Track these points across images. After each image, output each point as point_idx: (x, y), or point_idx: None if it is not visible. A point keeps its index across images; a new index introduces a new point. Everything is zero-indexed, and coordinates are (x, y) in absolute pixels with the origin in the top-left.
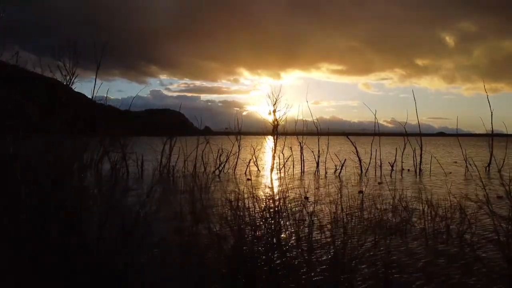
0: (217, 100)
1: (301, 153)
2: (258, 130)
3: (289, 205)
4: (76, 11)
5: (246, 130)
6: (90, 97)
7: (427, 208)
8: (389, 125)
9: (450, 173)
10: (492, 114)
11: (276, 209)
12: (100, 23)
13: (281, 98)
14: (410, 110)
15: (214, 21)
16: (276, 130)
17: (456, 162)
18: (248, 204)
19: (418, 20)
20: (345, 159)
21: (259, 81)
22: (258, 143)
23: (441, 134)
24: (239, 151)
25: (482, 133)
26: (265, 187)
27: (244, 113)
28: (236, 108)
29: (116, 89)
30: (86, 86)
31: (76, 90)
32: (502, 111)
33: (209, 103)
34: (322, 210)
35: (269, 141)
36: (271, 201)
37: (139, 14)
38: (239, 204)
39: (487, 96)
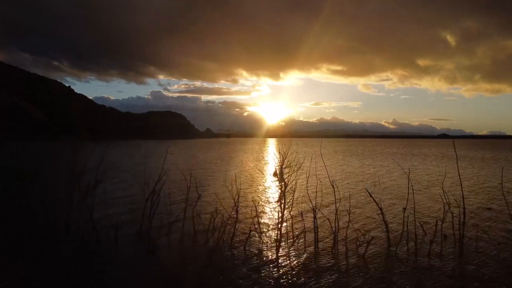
0: (217, 101)
1: (315, 218)
2: (258, 132)
3: None
4: (74, 11)
5: (246, 131)
6: (91, 98)
7: None
8: (391, 126)
9: (500, 244)
10: None
11: None
12: (99, 23)
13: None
14: (411, 111)
15: (211, 21)
16: (284, 193)
17: (490, 208)
18: None
19: (419, 20)
20: (372, 237)
21: (258, 82)
22: (259, 158)
23: (443, 135)
24: (237, 214)
25: (484, 135)
26: None
27: (245, 114)
28: (236, 109)
29: (115, 90)
30: (85, 86)
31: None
32: (503, 112)
33: (210, 104)
34: None
35: (271, 146)
36: None
37: (137, 14)
38: None
39: None
